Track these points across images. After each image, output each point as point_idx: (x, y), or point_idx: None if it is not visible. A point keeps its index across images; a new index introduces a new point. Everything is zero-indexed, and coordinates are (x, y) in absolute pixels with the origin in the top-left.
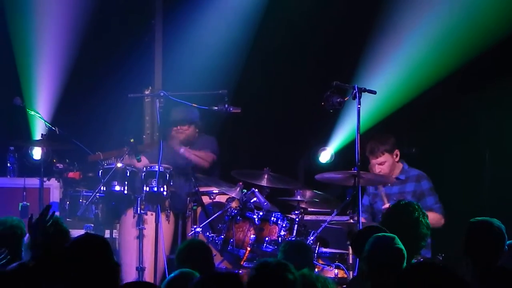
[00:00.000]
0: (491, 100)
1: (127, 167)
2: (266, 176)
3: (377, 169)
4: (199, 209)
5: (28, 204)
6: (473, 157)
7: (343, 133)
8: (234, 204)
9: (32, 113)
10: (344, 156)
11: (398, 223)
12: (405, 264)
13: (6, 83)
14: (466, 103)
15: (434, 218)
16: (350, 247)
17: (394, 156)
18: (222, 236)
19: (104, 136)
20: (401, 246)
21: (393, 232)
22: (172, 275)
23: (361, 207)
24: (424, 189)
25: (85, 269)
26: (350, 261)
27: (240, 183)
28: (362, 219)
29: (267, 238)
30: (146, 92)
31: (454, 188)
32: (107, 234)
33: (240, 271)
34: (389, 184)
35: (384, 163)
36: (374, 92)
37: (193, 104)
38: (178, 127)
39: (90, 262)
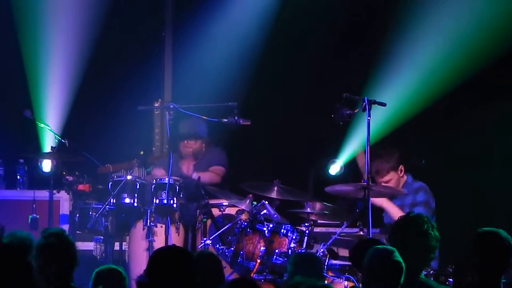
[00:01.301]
0: (501, 110)
1: (137, 180)
2: (276, 188)
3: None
4: (209, 222)
5: (38, 216)
6: (482, 169)
7: (353, 145)
8: (244, 216)
9: (42, 125)
10: (353, 168)
11: (407, 235)
12: (403, 277)
13: (16, 95)
14: (476, 114)
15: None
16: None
17: (399, 172)
18: (232, 248)
19: (113, 148)
20: (400, 259)
21: (402, 244)
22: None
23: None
24: (418, 200)
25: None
26: (360, 273)
27: (250, 195)
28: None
29: (277, 250)
30: (156, 105)
31: (463, 198)
32: (116, 246)
33: None
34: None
35: (390, 181)
36: (384, 104)
37: (203, 117)
38: (186, 141)
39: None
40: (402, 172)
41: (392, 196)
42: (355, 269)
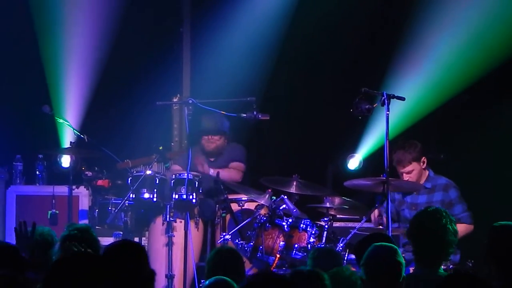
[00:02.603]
0: None
1: (156, 175)
2: (295, 183)
3: (405, 177)
4: (228, 216)
5: (57, 212)
6: (503, 163)
7: (372, 140)
8: (263, 211)
9: (61, 121)
10: (373, 162)
11: (426, 230)
12: (403, 275)
13: (35, 91)
14: (496, 108)
15: (461, 230)
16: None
17: (421, 164)
18: (251, 243)
19: (132, 143)
20: (400, 258)
21: (420, 239)
22: (207, 282)
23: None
24: (452, 198)
25: (122, 276)
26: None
27: (269, 190)
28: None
29: (296, 245)
30: (175, 100)
31: (484, 193)
32: (136, 241)
33: None
34: (415, 193)
35: (412, 172)
36: (403, 99)
37: (222, 112)
38: (210, 136)
39: (127, 269)
40: (425, 164)
41: (414, 191)
42: (357, 264)
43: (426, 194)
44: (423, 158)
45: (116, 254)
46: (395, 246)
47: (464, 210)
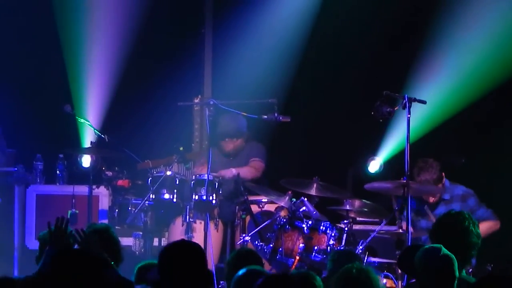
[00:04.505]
0: None
1: (177, 175)
2: (315, 185)
3: (431, 199)
4: (248, 218)
5: (77, 211)
6: None
7: (393, 143)
8: (283, 213)
9: (82, 120)
10: (393, 165)
11: (449, 233)
12: (457, 271)
13: (57, 90)
14: None
15: (490, 226)
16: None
17: (443, 179)
18: (271, 245)
19: (153, 144)
20: (448, 252)
21: (443, 241)
22: (240, 273)
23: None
24: (472, 206)
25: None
26: (399, 271)
27: (289, 192)
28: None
29: (316, 247)
30: (196, 101)
31: (504, 198)
32: (155, 242)
33: None
34: (432, 200)
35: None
36: (424, 102)
37: (243, 113)
38: (227, 139)
39: (187, 269)
40: (444, 178)
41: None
42: (407, 275)
43: (444, 205)
44: (442, 174)
45: (176, 254)
46: (439, 245)
47: (486, 210)
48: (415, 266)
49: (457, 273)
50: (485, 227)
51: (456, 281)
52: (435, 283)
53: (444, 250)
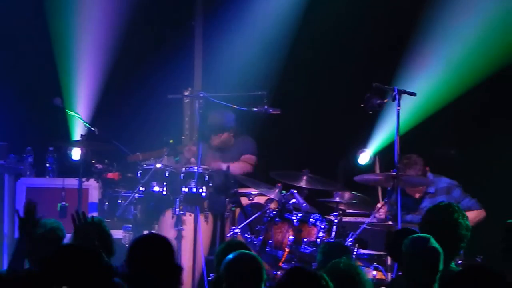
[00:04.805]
0: None
1: (166, 168)
2: (305, 178)
3: (417, 195)
4: (237, 210)
5: (67, 204)
6: None
7: (383, 135)
8: (273, 205)
9: (72, 113)
10: (383, 157)
11: (438, 224)
12: (442, 263)
13: (47, 84)
14: (509, 103)
15: (476, 215)
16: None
17: (426, 174)
18: (261, 237)
19: (143, 136)
20: (436, 245)
21: (432, 233)
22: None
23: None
24: (456, 197)
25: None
26: (389, 263)
27: (279, 184)
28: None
29: (305, 240)
30: (186, 93)
31: (494, 190)
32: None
33: (279, 273)
34: (417, 195)
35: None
36: (414, 94)
37: (233, 105)
38: (212, 135)
39: (154, 262)
40: (428, 171)
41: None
42: (393, 259)
43: (429, 199)
44: (427, 168)
45: (144, 247)
46: (428, 235)
47: (471, 199)
48: (401, 253)
49: (441, 266)
50: (471, 216)
51: (438, 274)
52: (418, 272)
53: (433, 242)
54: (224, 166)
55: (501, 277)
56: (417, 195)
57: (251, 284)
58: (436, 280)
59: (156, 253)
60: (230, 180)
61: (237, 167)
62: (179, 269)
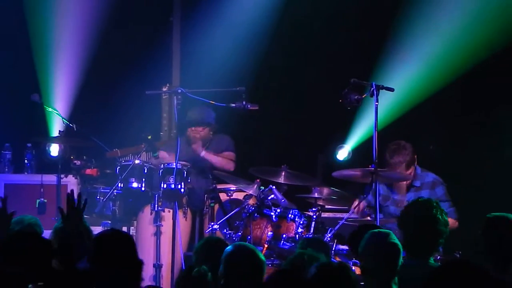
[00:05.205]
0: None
1: (145, 164)
2: (283, 173)
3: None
4: (216, 206)
5: (46, 200)
6: (491, 154)
7: (361, 130)
8: (251, 201)
9: (50, 109)
10: (361, 153)
11: (416, 220)
12: (400, 261)
13: (24, 80)
14: (486, 99)
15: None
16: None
17: (415, 163)
18: (240, 233)
19: (121, 133)
20: (396, 241)
21: (411, 229)
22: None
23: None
24: (439, 195)
25: (110, 265)
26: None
27: (258, 180)
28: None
29: (284, 235)
30: (164, 89)
31: (472, 186)
32: (124, 231)
33: None
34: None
35: (410, 173)
36: (392, 90)
37: (211, 101)
38: (193, 128)
39: (116, 258)
40: (416, 162)
41: (401, 189)
42: (353, 255)
43: (414, 192)
44: (415, 156)
45: (105, 243)
46: (388, 231)
47: (450, 205)
48: (359, 247)
49: (399, 262)
50: None
51: (396, 271)
52: (376, 268)
53: (392, 237)
54: (204, 154)
55: (484, 271)
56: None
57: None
58: (395, 276)
59: (118, 248)
60: (209, 176)
61: (220, 161)
62: (139, 264)
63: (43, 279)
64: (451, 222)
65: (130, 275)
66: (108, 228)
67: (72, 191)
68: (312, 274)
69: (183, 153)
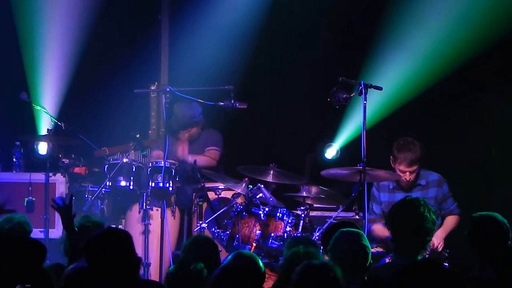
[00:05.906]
0: (500, 94)
1: (133, 163)
2: (272, 172)
3: (408, 176)
4: (204, 205)
5: (34, 199)
6: (481, 153)
7: (349, 129)
8: (240, 200)
9: (38, 108)
10: (350, 152)
11: (404, 218)
12: (369, 260)
13: (13, 78)
14: (474, 98)
15: (456, 221)
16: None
17: (419, 162)
18: (228, 232)
19: (110, 131)
20: (366, 243)
21: (398, 227)
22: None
23: (373, 215)
24: (445, 192)
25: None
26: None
27: (246, 179)
28: (379, 226)
29: (272, 234)
30: (152, 88)
31: (460, 184)
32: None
33: None
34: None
35: (415, 170)
36: (380, 88)
37: (199, 100)
38: (181, 131)
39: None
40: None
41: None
42: (323, 252)
43: (420, 191)
44: (422, 155)
45: (103, 241)
46: (361, 231)
47: (453, 201)
48: (330, 244)
49: (368, 263)
50: (452, 222)
51: (363, 271)
52: (345, 266)
53: (362, 238)
54: (190, 158)
55: (448, 271)
56: (410, 177)
57: None
58: (364, 276)
59: (116, 246)
60: (197, 175)
61: (201, 160)
62: (137, 261)
63: (32, 280)
64: (455, 218)
65: (128, 272)
66: (107, 227)
67: (53, 199)
68: (297, 275)
69: (172, 152)
